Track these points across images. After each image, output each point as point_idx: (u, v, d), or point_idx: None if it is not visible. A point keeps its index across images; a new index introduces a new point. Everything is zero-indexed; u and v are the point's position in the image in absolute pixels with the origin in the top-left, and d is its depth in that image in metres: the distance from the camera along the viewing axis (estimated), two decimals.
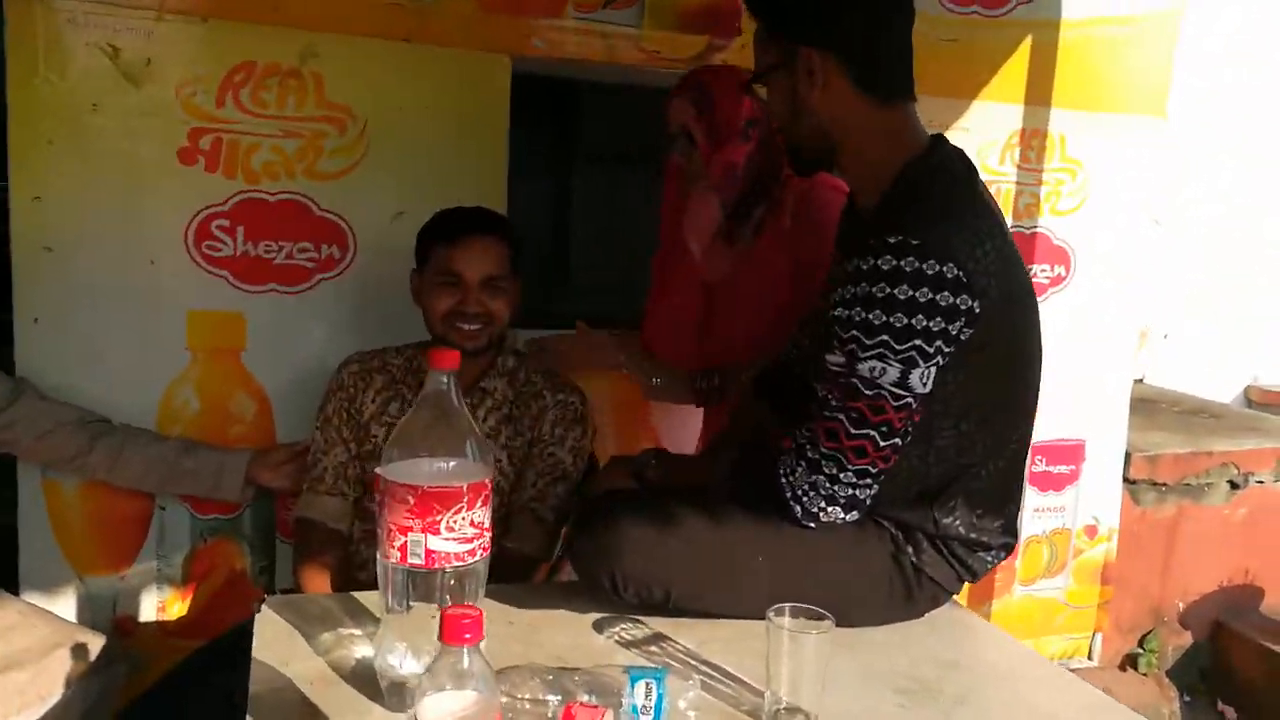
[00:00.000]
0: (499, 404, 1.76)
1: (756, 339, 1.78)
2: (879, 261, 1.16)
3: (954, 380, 1.21)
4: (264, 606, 1.31)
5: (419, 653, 1.03)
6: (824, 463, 1.22)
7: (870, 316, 1.17)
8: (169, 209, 1.93)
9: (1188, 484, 2.76)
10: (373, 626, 1.24)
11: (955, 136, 2.38)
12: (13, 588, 1.95)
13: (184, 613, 2.06)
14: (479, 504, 1.03)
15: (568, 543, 1.29)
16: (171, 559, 2.05)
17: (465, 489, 1.01)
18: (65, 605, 1.96)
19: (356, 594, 1.35)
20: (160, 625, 2.05)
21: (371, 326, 2.06)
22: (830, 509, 1.24)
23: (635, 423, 2.32)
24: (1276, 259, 3.93)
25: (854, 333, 1.19)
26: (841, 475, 1.22)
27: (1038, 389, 1.34)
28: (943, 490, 1.29)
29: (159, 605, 2.07)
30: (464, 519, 1.00)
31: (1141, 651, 2.83)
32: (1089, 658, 2.75)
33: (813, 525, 1.26)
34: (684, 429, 2.29)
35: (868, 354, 1.18)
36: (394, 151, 2.04)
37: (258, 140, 1.95)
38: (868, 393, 1.19)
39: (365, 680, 1.11)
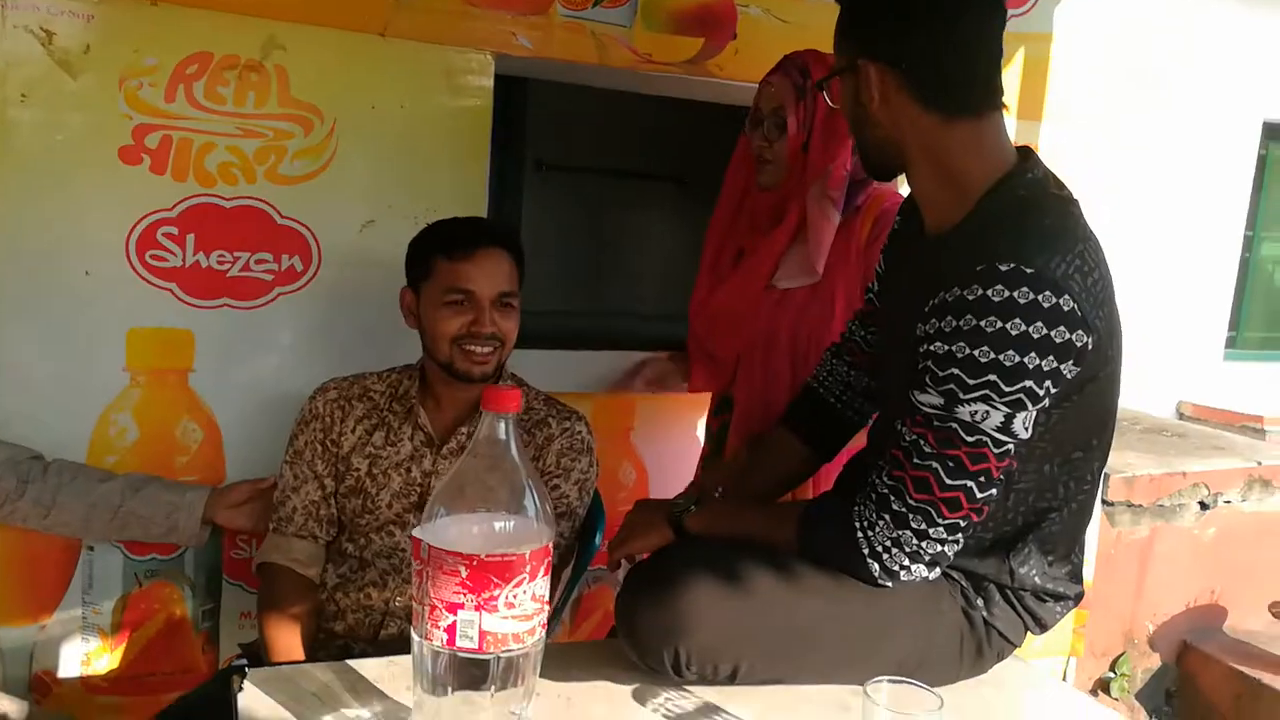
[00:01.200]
0: None
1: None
2: (989, 292, 1.04)
3: (1046, 421, 1.10)
4: (245, 682, 1.12)
5: None
6: (912, 516, 1.10)
7: (976, 353, 1.05)
8: (108, 214, 1.71)
9: (1161, 505, 2.75)
10: (380, 706, 1.07)
11: None
12: None
13: (115, 666, 1.84)
14: (541, 573, 0.87)
15: (620, 614, 1.13)
16: (101, 605, 1.81)
17: (528, 557, 0.85)
18: None
19: (355, 663, 1.17)
20: (85, 682, 1.82)
21: (336, 347, 1.87)
22: (914, 567, 1.12)
23: (618, 450, 2.18)
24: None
25: (955, 371, 1.06)
26: (931, 530, 1.10)
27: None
28: (1019, 538, 1.18)
29: (84, 659, 1.83)
30: (526, 593, 0.85)
31: (1113, 675, 2.81)
32: (1064, 680, 2.71)
33: (889, 584, 1.13)
34: (674, 458, 2.16)
35: (971, 395, 1.06)
36: (364, 155, 1.85)
37: (212, 140, 1.75)
38: (968, 439, 1.07)
39: None
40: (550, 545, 0.89)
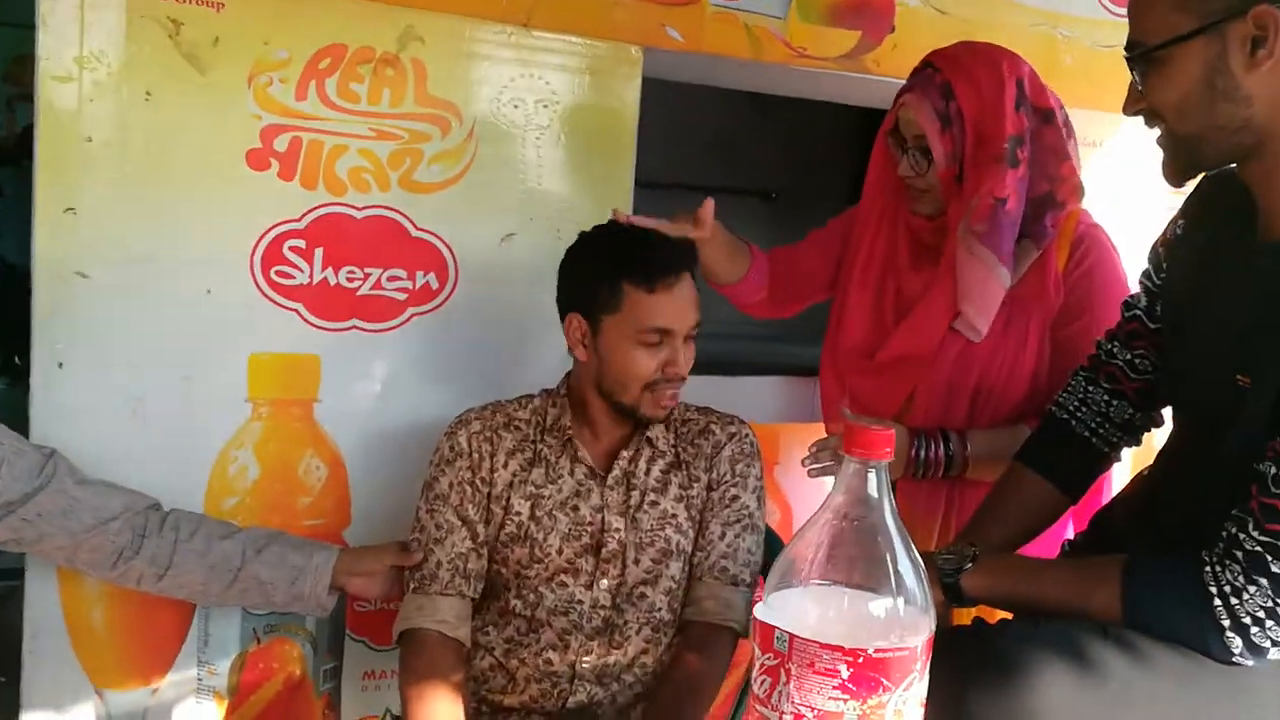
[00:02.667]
0: (663, 451, 1.41)
1: (1012, 405, 1.48)
2: None
3: None
4: None
5: None
6: None
7: None
8: (233, 225, 1.52)
9: None
10: None
11: (1107, 155, 2.15)
12: (12, 709, 1.51)
13: None
14: (927, 668, 0.67)
15: (946, 705, 0.92)
16: (217, 665, 1.62)
17: (919, 651, 0.65)
18: None
19: None
20: None
21: (474, 374, 1.69)
22: None
23: None
24: None
25: None
26: None
27: None
28: None
29: None
30: (915, 697, 0.65)
31: None
32: None
33: (1248, 663, 0.93)
34: (824, 495, 1.96)
35: None
36: (505, 160, 1.67)
37: (344, 142, 1.57)
38: None
39: None
40: (933, 629, 0.69)
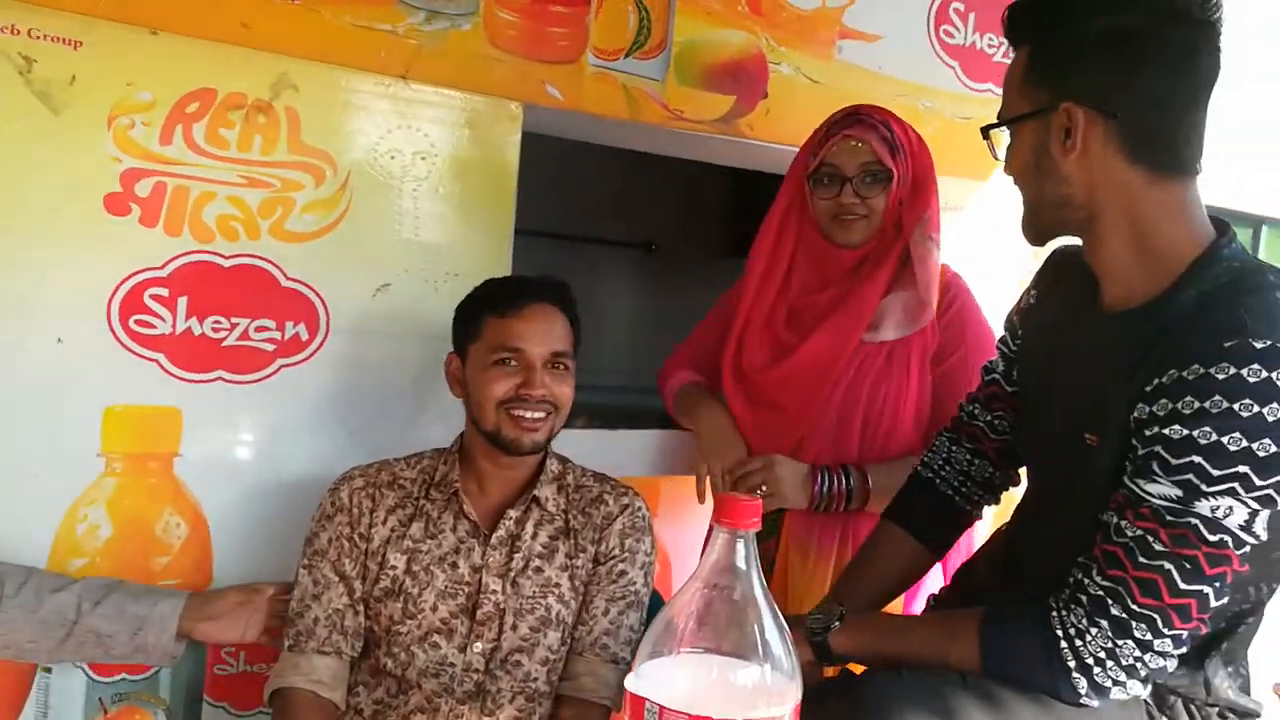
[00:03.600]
0: (551, 516, 1.40)
1: (899, 438, 1.62)
2: (1243, 371, 0.92)
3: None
4: None
5: None
6: (1135, 624, 0.96)
7: (1225, 440, 0.93)
8: (88, 272, 1.45)
9: None
10: None
11: (970, 218, 2.27)
12: None
13: None
14: None
15: None
16: None
17: (788, 717, 0.67)
18: None
19: None
20: None
21: (344, 429, 1.65)
22: (1129, 683, 0.98)
23: None
24: None
25: (1196, 460, 0.94)
26: (1155, 642, 0.96)
27: None
28: (1213, 645, 1.06)
29: None
30: None
31: None
32: None
33: (1094, 703, 0.98)
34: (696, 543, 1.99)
35: (1215, 488, 0.93)
36: (380, 211, 1.65)
37: (212, 189, 1.52)
38: (1209, 538, 0.94)
39: None
40: (799, 696, 0.70)
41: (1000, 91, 2.23)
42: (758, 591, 0.69)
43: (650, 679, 0.67)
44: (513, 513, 1.38)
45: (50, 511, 1.47)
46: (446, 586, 1.34)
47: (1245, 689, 1.13)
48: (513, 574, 1.35)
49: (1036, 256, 2.47)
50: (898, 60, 2.11)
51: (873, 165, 1.62)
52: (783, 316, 1.74)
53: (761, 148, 1.99)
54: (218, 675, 1.61)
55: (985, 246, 2.27)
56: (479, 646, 1.33)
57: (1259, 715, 1.11)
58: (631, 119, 1.85)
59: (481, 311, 1.39)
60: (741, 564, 0.69)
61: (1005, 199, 2.26)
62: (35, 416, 1.44)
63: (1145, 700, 1.06)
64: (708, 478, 1.76)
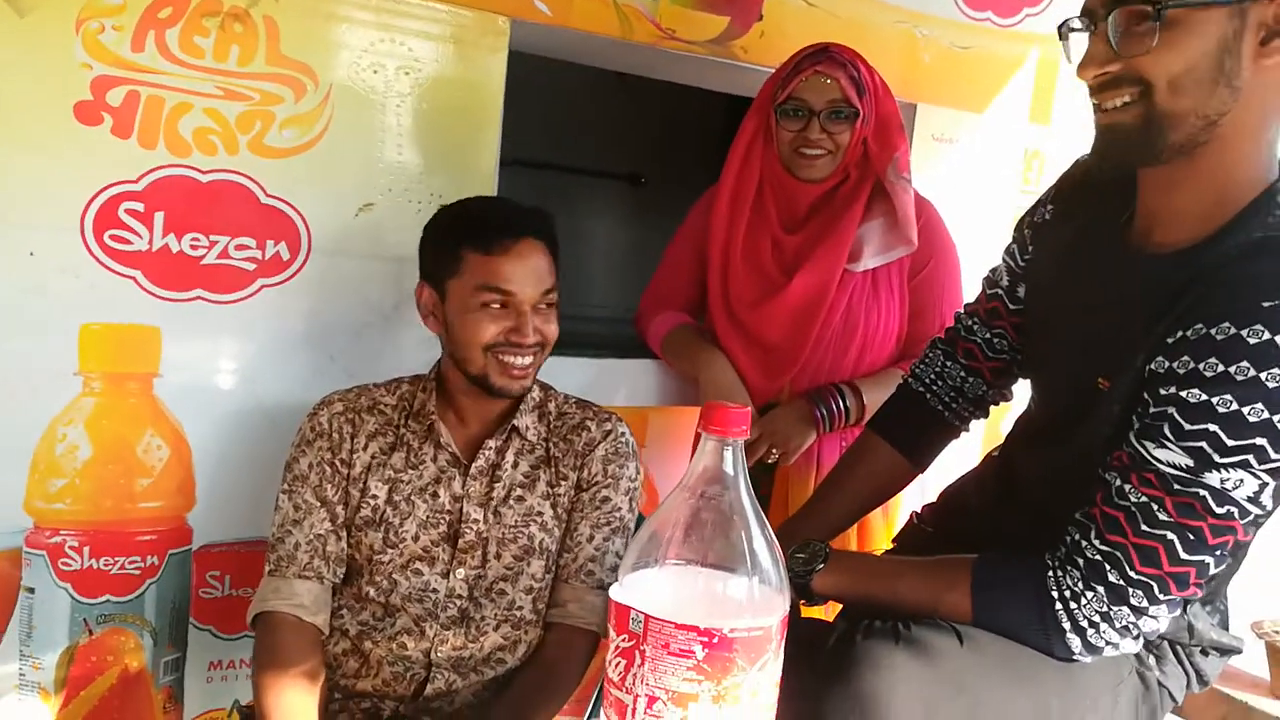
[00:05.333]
0: (533, 445, 1.38)
1: (886, 353, 1.72)
2: (1277, 338, 0.86)
3: None
4: None
5: None
6: (1132, 591, 0.94)
7: (1245, 411, 0.87)
8: (60, 184, 1.41)
9: None
10: None
11: (961, 152, 2.23)
12: None
13: None
14: (781, 648, 0.68)
15: (795, 695, 0.93)
16: (42, 658, 1.51)
17: (774, 630, 0.66)
18: None
19: None
20: None
21: (324, 350, 1.62)
22: (1122, 643, 0.97)
23: None
24: None
25: (1211, 428, 0.89)
26: (1151, 608, 0.95)
27: None
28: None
29: None
30: (769, 677, 0.65)
31: None
32: None
33: (1087, 659, 0.98)
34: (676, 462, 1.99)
35: (1229, 460, 0.89)
36: (363, 127, 1.60)
37: (188, 100, 1.47)
38: (1216, 510, 0.91)
39: None
40: (788, 609, 0.69)
41: (999, 20, 2.18)
42: (745, 501, 0.68)
43: (635, 589, 0.66)
44: (492, 443, 1.36)
45: (28, 430, 1.44)
46: (428, 516, 1.33)
47: (1224, 624, 1.13)
48: (494, 503, 1.34)
49: (1025, 193, 2.45)
50: None
51: (839, 103, 1.65)
52: (767, 251, 1.75)
53: (754, 71, 1.93)
54: (203, 599, 1.60)
55: (975, 179, 2.24)
56: (461, 573, 1.32)
57: (1240, 650, 1.12)
58: (622, 37, 1.80)
59: (460, 243, 1.31)
60: (730, 470, 0.68)
61: (996, 132, 2.25)
62: (8, 332, 1.41)
63: None
64: None
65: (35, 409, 1.44)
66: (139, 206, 1.46)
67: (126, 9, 1.41)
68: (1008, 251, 1.26)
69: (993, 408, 1.36)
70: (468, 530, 1.32)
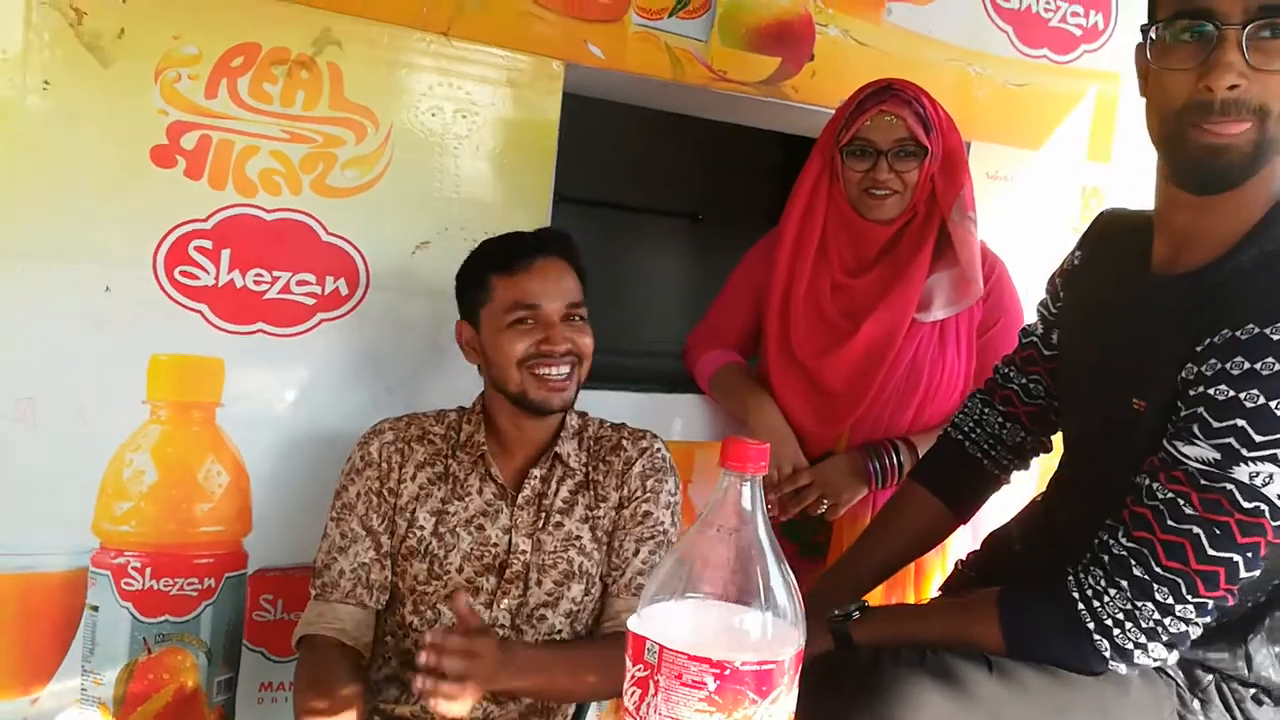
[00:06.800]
0: (573, 471, 1.41)
1: (947, 408, 1.66)
2: None
3: None
4: None
5: None
6: (1157, 587, 0.93)
7: (1273, 405, 0.89)
8: (135, 222, 1.49)
9: None
10: None
11: (1017, 190, 2.22)
12: None
13: None
14: (795, 679, 0.68)
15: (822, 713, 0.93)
16: (103, 674, 1.57)
17: (787, 664, 0.66)
18: None
19: None
20: None
21: (380, 383, 1.67)
22: (1151, 646, 0.95)
23: None
24: None
25: (1239, 423, 0.90)
26: (1178, 606, 0.93)
27: None
28: (1256, 620, 1.02)
29: None
30: (782, 710, 0.66)
31: None
32: None
33: (1121, 668, 0.96)
34: None
35: (1257, 454, 0.90)
36: (421, 168, 1.66)
37: (255, 143, 1.55)
38: (1244, 504, 0.91)
39: None
40: (803, 644, 0.70)
41: (1055, 57, 2.17)
42: (763, 536, 0.69)
43: (652, 621, 0.68)
44: (537, 471, 1.39)
45: (98, 455, 1.51)
46: (472, 549, 1.36)
47: None
48: (536, 531, 1.36)
49: (1077, 232, 2.42)
50: (949, 24, 2.06)
51: (907, 141, 1.62)
52: (829, 296, 1.72)
53: (806, 111, 1.96)
54: (256, 621, 1.65)
55: (1031, 217, 2.22)
56: (505, 603, 1.34)
57: None
58: (674, 79, 1.84)
59: (486, 272, 1.38)
60: (748, 506, 0.69)
61: (1051, 169, 2.23)
62: (83, 361, 1.48)
63: (1176, 681, 1.04)
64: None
65: (106, 435, 1.52)
66: (208, 244, 1.53)
67: (202, 59, 1.49)
68: (1041, 303, 1.30)
69: (1033, 459, 1.36)
70: (515, 560, 1.35)
